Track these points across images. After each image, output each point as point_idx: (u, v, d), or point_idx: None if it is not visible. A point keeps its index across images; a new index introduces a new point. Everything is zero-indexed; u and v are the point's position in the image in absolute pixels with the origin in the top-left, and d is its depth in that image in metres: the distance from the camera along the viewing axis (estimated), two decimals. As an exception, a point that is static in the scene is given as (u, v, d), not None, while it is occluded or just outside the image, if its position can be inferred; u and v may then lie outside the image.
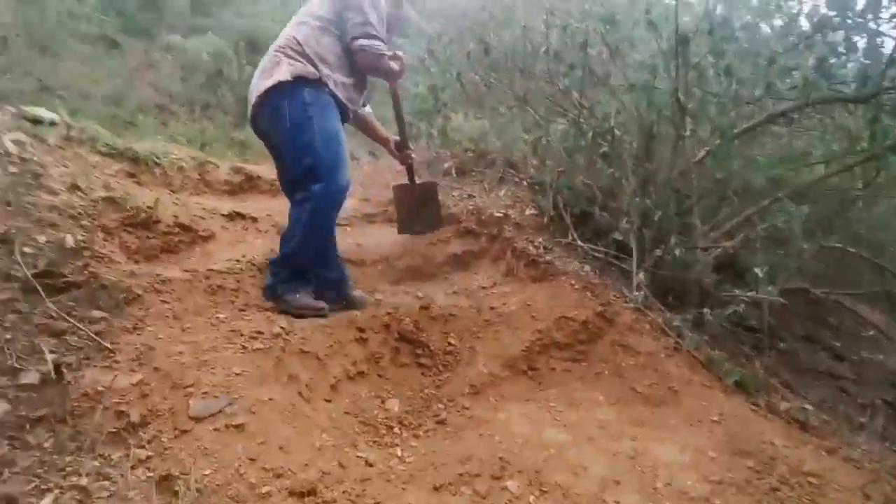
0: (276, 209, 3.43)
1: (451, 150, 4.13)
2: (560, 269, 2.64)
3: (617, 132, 2.98)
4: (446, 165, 3.86)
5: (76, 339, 1.62)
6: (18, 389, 1.41)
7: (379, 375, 1.97)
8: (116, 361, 1.57)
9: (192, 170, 3.43)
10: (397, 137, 2.55)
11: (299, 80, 2.03)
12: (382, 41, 2.11)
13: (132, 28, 10.15)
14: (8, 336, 1.53)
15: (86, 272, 1.88)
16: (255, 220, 3.11)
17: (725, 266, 2.83)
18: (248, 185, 3.76)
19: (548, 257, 2.74)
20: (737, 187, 2.79)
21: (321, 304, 2.12)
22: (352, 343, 1.97)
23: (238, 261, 2.49)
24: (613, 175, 2.90)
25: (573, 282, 2.54)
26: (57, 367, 1.46)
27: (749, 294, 2.46)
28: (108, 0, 10.57)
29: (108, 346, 1.62)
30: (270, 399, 1.58)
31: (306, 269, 2.14)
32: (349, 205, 3.61)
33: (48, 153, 2.54)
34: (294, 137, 2.04)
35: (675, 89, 2.51)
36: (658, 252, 2.60)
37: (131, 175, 2.96)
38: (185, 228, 2.63)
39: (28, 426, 1.33)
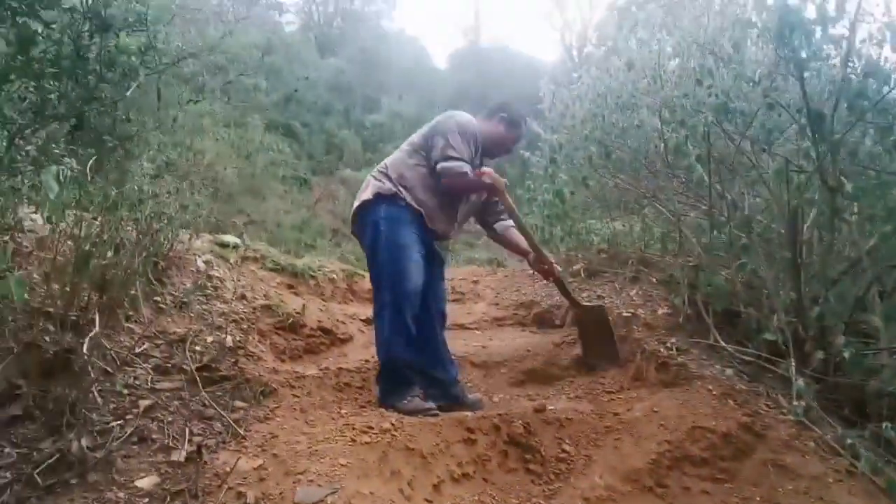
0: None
1: (583, 253, 4.10)
2: (695, 373, 2.38)
3: (761, 221, 2.75)
4: (575, 267, 3.83)
5: (219, 425, 1.86)
6: (168, 465, 1.65)
7: (485, 479, 1.90)
8: (245, 447, 1.76)
9: (342, 280, 3.87)
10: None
11: (378, 198, 2.27)
12: (464, 161, 2.24)
13: (319, 168, 12.10)
14: (169, 419, 1.82)
15: (236, 368, 2.19)
16: (390, 324, 3.34)
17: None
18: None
19: (681, 359, 2.49)
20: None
21: (430, 405, 2.17)
22: (459, 444, 1.95)
23: (367, 361, 2.68)
24: (758, 269, 2.63)
25: (710, 387, 2.27)
26: (198, 448, 1.69)
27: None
28: (301, 147, 12.85)
29: (242, 432, 1.83)
30: (371, 493, 1.62)
31: (405, 373, 2.21)
32: (479, 308, 3.74)
33: (229, 270, 3.10)
34: (370, 250, 2.28)
35: (820, 169, 2.28)
36: (820, 354, 2.23)
37: (290, 286, 3.44)
38: (326, 331, 2.94)
39: (168, 498, 1.54)
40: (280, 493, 1.56)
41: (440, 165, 2.22)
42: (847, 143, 2.28)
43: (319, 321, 2.96)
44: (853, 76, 2.11)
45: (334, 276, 3.82)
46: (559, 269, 2.59)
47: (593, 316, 2.73)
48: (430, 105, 18.45)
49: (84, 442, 1.60)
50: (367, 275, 4.13)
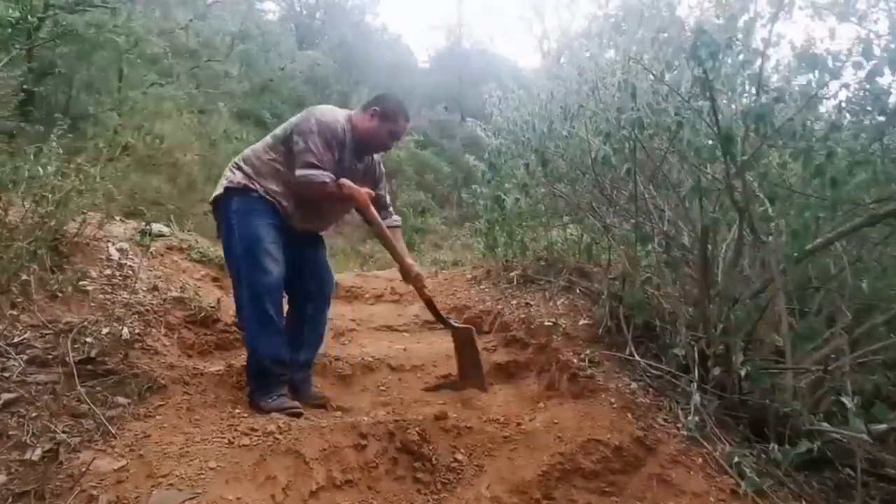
0: (347, 312, 3.62)
1: (522, 260, 4.10)
2: (601, 385, 2.38)
3: (678, 238, 2.78)
4: (512, 274, 3.82)
5: (91, 422, 1.78)
6: (20, 464, 1.56)
7: (369, 487, 1.85)
8: (112, 446, 1.68)
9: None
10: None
11: (229, 192, 2.19)
12: (323, 169, 2.13)
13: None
14: (33, 415, 1.73)
15: (125, 362, 2.10)
16: (317, 322, 3.28)
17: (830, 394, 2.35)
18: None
19: (591, 371, 2.49)
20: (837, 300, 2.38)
21: (293, 404, 2.11)
22: (348, 449, 1.91)
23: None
24: (666, 284, 2.66)
25: (613, 400, 2.27)
26: (56, 447, 1.61)
27: (839, 430, 2.00)
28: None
29: (113, 431, 1.75)
30: (238, 498, 1.57)
31: (270, 371, 2.14)
32: (412, 311, 3.70)
33: (148, 259, 2.99)
34: (225, 246, 2.24)
35: (730, 188, 2.31)
36: (717, 371, 2.25)
37: (215, 279, 3.35)
38: (242, 327, 2.85)
39: (12, 499, 1.45)
40: (136, 498, 1.50)
41: (298, 173, 2.13)
42: (758, 165, 2.31)
43: (234, 315, 2.87)
44: (763, 100, 2.13)
45: (266, 271, 3.73)
46: (426, 286, 2.49)
47: (462, 337, 2.60)
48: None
49: (-74, 436, 1.50)
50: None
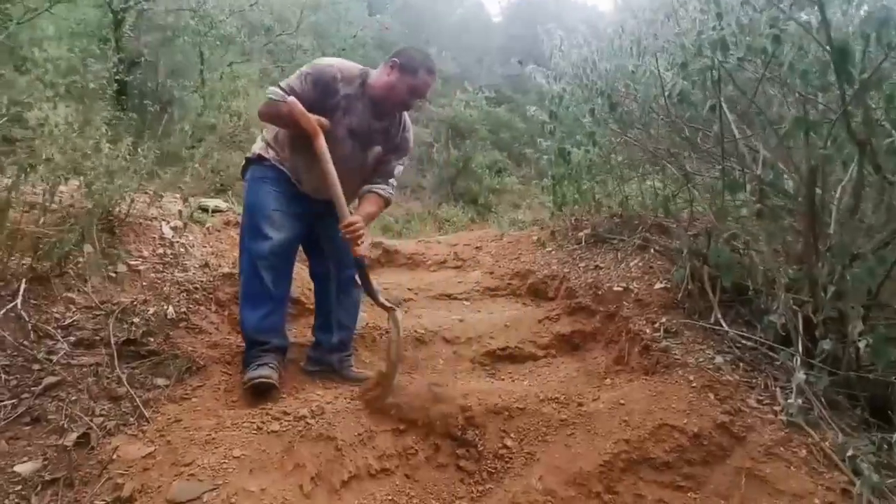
0: (405, 281, 3.49)
1: (594, 217, 3.73)
2: (678, 360, 2.05)
3: (777, 183, 2.32)
4: (580, 234, 3.48)
5: (128, 405, 1.76)
6: (55, 449, 1.56)
7: (406, 476, 1.71)
8: (143, 431, 1.65)
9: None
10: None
11: (247, 162, 2.13)
12: (283, 91, 1.95)
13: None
14: (73, 398, 1.73)
15: (167, 342, 2.08)
16: (370, 293, 3.17)
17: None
18: (385, 258, 3.92)
19: (666, 342, 2.16)
20: None
21: (257, 374, 1.92)
22: (385, 433, 1.77)
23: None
24: (772, 239, 2.23)
25: (692, 377, 1.95)
26: (86, 432, 1.59)
27: None
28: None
29: (147, 414, 1.72)
30: (262, 489, 1.47)
31: (254, 343, 2.03)
32: (473, 277, 3.49)
33: (203, 235, 3.00)
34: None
35: (846, 116, 1.84)
36: (826, 344, 1.84)
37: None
38: (293, 301, 2.79)
39: (41, 486, 1.45)
40: (158, 487, 1.44)
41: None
42: (882, 87, 1.82)
43: (287, 290, 2.81)
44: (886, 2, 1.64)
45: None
46: (368, 247, 2.16)
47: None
48: (477, 60, 17.80)
49: (-34, 422, 1.53)
50: (366, 239, 4.00)
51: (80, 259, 2.30)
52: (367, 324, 2.65)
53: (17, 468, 1.48)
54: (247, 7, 11.20)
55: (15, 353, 1.81)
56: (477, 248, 4.06)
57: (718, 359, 2.05)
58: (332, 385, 2.10)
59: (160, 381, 1.91)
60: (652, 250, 2.91)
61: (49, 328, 1.95)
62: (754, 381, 1.98)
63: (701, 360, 2.05)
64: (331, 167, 1.92)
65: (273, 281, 2.01)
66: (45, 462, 1.52)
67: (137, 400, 1.76)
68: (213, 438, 1.60)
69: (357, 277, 2.12)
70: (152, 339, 2.08)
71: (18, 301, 1.95)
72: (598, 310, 2.60)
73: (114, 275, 2.39)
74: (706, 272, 2.49)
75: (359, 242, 1.96)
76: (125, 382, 1.82)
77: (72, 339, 1.97)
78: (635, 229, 3.30)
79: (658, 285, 2.57)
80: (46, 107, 4.57)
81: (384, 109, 2.07)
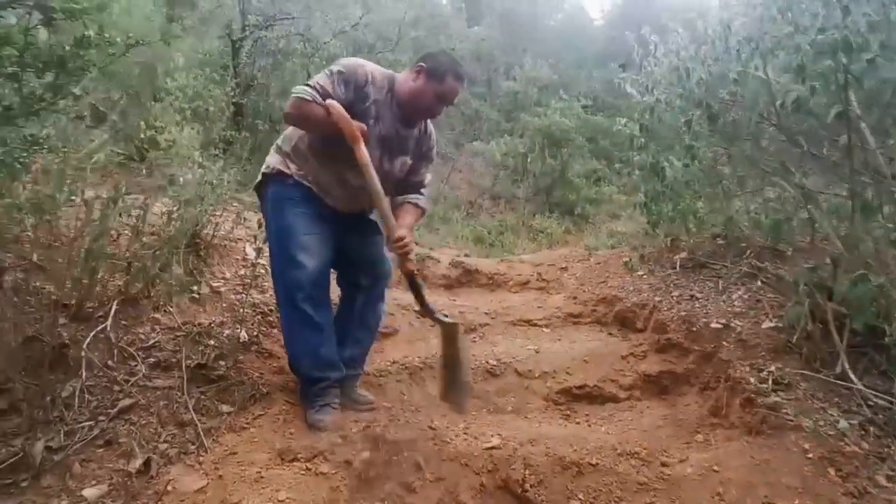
0: (483, 304, 3.36)
1: (693, 239, 3.36)
2: (791, 420, 1.73)
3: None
4: (676, 257, 3.14)
5: (191, 431, 1.80)
6: (121, 475, 1.61)
7: (458, 533, 1.57)
8: (201, 462, 1.66)
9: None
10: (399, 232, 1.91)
11: (265, 179, 2.00)
12: (315, 90, 1.80)
13: (458, 140, 12.03)
14: (143, 422, 1.80)
15: (236, 367, 2.11)
16: (445, 317, 3.07)
17: None
18: (465, 278, 3.81)
19: (777, 397, 1.84)
20: None
21: (320, 418, 1.88)
22: (434, 482, 1.64)
23: (394, 362, 2.46)
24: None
25: (808, 445, 1.62)
26: (146, 460, 1.63)
27: None
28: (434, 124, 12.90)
29: (208, 443, 1.74)
30: (303, 538, 1.41)
31: (311, 377, 1.96)
32: (555, 302, 3.28)
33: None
34: (267, 239, 2.04)
35: None
36: None
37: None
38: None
39: (102, 514, 1.49)
40: (204, 526, 1.43)
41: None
42: None
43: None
44: None
45: (403, 260, 3.63)
46: (412, 257, 1.93)
47: (447, 335, 2.01)
48: (576, 65, 17.27)
49: (44, 443, 1.62)
50: (441, 259, 3.93)
51: (169, 281, 2.43)
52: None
53: (85, 492, 1.54)
54: (348, 28, 11.76)
55: (100, 374, 1.92)
56: (562, 268, 3.83)
57: (843, 422, 1.70)
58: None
59: (225, 408, 1.94)
60: (760, 281, 2.53)
61: (132, 350, 2.05)
62: (886, 450, 1.61)
63: (820, 422, 1.71)
64: (376, 177, 1.82)
65: (315, 310, 1.93)
66: (111, 487, 1.57)
67: (199, 427, 1.79)
68: (263, 477, 1.57)
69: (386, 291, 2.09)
70: (223, 363, 2.13)
71: (109, 322, 2.07)
72: (691, 348, 2.30)
73: (197, 296, 2.49)
74: (830, 310, 2.10)
75: (410, 257, 1.88)
76: (191, 409, 1.86)
77: (151, 360, 2.06)
78: (741, 254, 2.92)
79: (767, 324, 2.21)
80: (175, 130, 5.00)
81: (413, 116, 1.96)
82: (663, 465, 1.72)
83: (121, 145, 4.71)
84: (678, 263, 3.05)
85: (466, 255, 6.04)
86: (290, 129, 2.01)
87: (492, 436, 1.90)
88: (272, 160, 2.00)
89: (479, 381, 2.41)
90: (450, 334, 1.99)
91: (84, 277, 2.05)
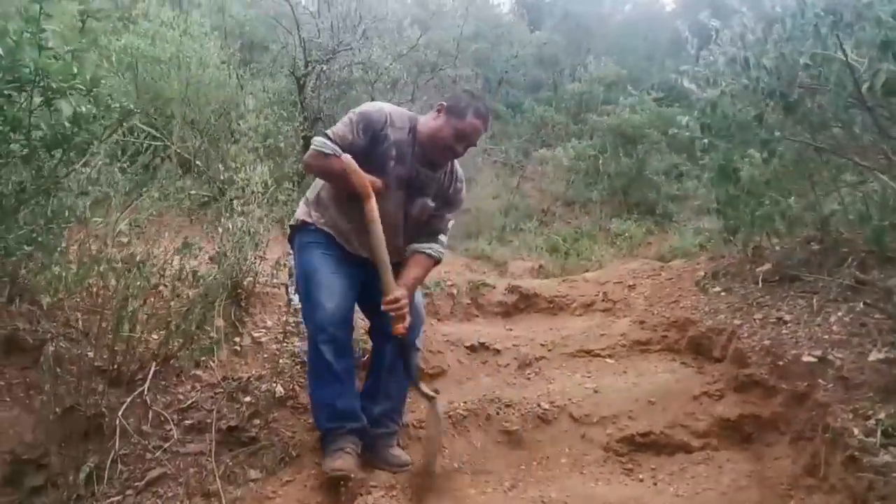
0: (540, 333, 3.11)
1: (783, 244, 2.92)
2: (908, 490, 1.36)
3: None
4: (759, 269, 2.73)
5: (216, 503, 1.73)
6: (147, 552, 1.57)
7: None
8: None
9: (465, 294, 3.50)
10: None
11: (292, 231, 2.04)
12: (332, 142, 1.82)
13: (527, 148, 11.80)
14: (171, 493, 1.76)
15: (268, 427, 2.04)
16: (497, 352, 2.86)
17: None
18: (523, 304, 3.58)
19: (887, 455, 1.46)
20: None
21: (333, 465, 1.79)
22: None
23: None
24: None
25: (934, 527, 1.25)
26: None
27: None
28: (506, 128, 12.65)
29: (229, 516, 1.66)
30: None
31: (328, 426, 1.90)
32: (620, 327, 2.97)
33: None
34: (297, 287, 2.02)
35: None
36: None
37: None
38: (411, 368, 2.62)
39: None
40: None
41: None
42: None
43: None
44: None
45: (454, 290, 3.47)
46: (405, 318, 1.84)
47: (429, 409, 1.96)
48: (646, 57, 16.38)
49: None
50: (498, 284, 3.72)
51: (211, 334, 2.43)
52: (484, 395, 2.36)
53: (109, 573, 1.51)
54: (405, 51, 11.91)
55: (135, 442, 1.92)
56: (630, 286, 3.48)
57: (984, 493, 1.30)
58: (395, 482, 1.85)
59: (253, 474, 1.87)
60: (866, 300, 2.10)
61: (168, 413, 2.05)
62: None
63: (949, 492, 1.33)
64: (380, 232, 1.81)
65: (335, 354, 1.86)
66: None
67: (224, 499, 1.72)
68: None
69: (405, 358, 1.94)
70: (257, 422, 2.07)
71: (146, 387, 2.09)
72: (778, 387, 1.93)
73: (238, 348, 2.48)
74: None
75: (402, 321, 1.83)
76: (217, 478, 1.80)
77: (187, 422, 2.04)
78: (841, 263, 2.46)
79: (875, 355, 1.81)
80: (249, 168, 5.21)
81: (436, 158, 1.90)
82: (744, 544, 1.41)
83: (205, 188, 5.01)
84: (761, 277, 2.64)
85: (541, 267, 5.84)
86: (316, 180, 2.04)
87: (538, 502, 1.68)
88: (299, 212, 2.04)
89: (529, 429, 2.19)
90: (431, 409, 1.94)
91: (122, 341, 2.08)
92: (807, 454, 1.69)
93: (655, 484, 1.82)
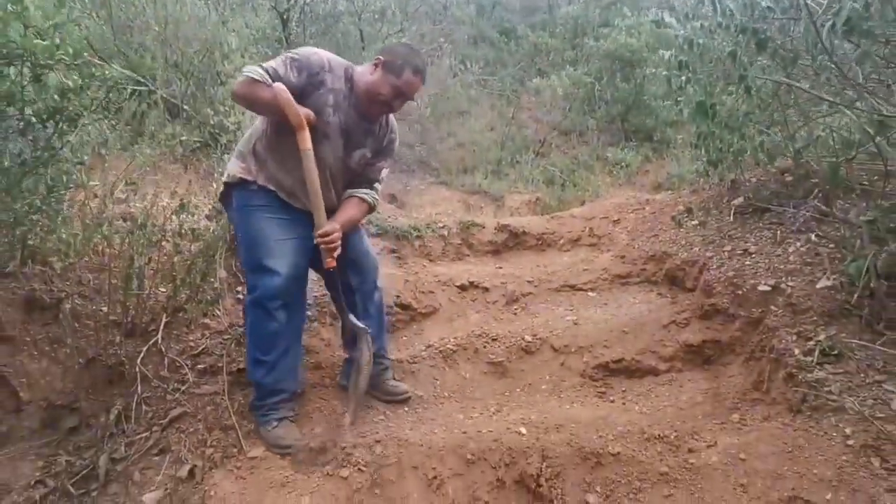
0: (528, 271, 3.28)
1: (755, 175, 3.03)
2: (833, 400, 1.56)
3: None
4: (735, 202, 2.84)
5: (233, 436, 1.95)
6: (174, 481, 1.80)
7: (473, 530, 1.61)
8: (238, 467, 1.81)
9: (456, 234, 3.64)
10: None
11: (228, 188, 1.93)
12: (264, 71, 1.74)
13: (523, 76, 11.50)
14: (192, 428, 1.98)
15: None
16: (486, 290, 3.04)
17: None
18: (512, 242, 3.72)
19: (822, 371, 1.65)
20: None
21: (289, 443, 1.85)
22: (452, 479, 1.68)
23: (429, 346, 2.49)
24: None
25: (850, 430, 1.46)
26: (192, 468, 1.80)
27: None
28: (499, 56, 12.23)
29: (246, 447, 1.89)
30: (324, 540, 1.52)
31: (270, 394, 1.92)
32: (602, 262, 3.13)
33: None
34: (237, 246, 1.97)
35: None
36: None
37: (393, 251, 3.38)
38: (404, 307, 2.81)
39: (160, 516, 1.69)
40: (237, 530, 1.57)
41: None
42: None
43: (398, 296, 2.83)
44: None
45: (445, 231, 3.61)
46: (335, 249, 1.85)
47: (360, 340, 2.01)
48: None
49: (109, 455, 1.84)
50: (487, 223, 3.84)
51: (215, 285, 2.59)
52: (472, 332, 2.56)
53: (145, 497, 1.75)
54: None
55: (155, 385, 2.13)
56: (615, 221, 3.62)
57: (897, 402, 1.50)
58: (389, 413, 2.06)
59: (263, 410, 2.08)
60: (818, 232, 2.24)
61: (182, 359, 2.24)
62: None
63: (869, 401, 1.52)
64: (313, 166, 1.77)
65: (288, 319, 1.90)
66: (166, 492, 1.76)
67: (239, 432, 1.94)
68: (288, 482, 1.69)
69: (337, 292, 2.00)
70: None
71: (159, 336, 2.27)
72: (737, 314, 2.11)
73: (241, 297, 2.65)
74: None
75: (333, 255, 1.84)
76: (232, 414, 2.02)
77: (200, 366, 2.24)
78: (809, 194, 2.58)
79: (823, 282, 1.97)
80: (238, 112, 5.20)
81: (367, 109, 1.90)
82: (690, 451, 1.63)
83: (196, 132, 5.01)
84: (734, 210, 2.76)
85: (537, 199, 5.91)
86: (248, 132, 1.99)
87: (519, 424, 1.90)
88: (233, 168, 1.93)
89: (513, 360, 2.39)
90: (365, 341, 1.99)
91: (132, 296, 2.25)
92: (755, 372, 1.89)
93: (624, 404, 2.04)
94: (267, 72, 1.76)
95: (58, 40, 1.68)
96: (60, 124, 1.73)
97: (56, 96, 1.65)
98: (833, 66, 1.92)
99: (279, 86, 1.73)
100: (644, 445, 1.70)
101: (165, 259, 2.47)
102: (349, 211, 1.95)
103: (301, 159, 1.76)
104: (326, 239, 1.81)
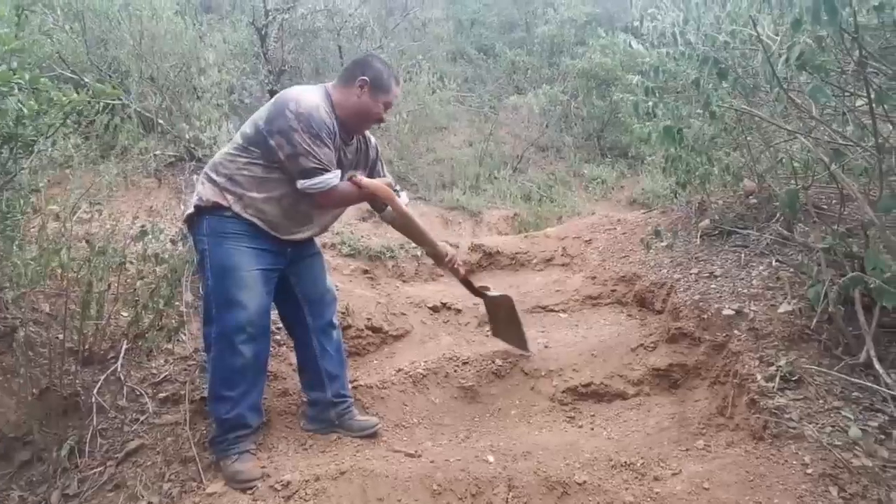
0: (503, 289, 3.27)
1: (722, 197, 3.09)
2: (793, 427, 1.57)
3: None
4: (701, 225, 2.89)
5: (193, 468, 1.90)
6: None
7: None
8: (209, 494, 1.75)
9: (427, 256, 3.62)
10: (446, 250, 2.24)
11: (200, 212, 1.86)
12: (328, 170, 1.81)
13: (501, 93, 11.60)
14: (150, 462, 1.92)
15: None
16: (458, 311, 3.04)
17: None
18: (486, 261, 3.74)
19: (782, 398, 1.68)
20: None
21: (248, 479, 1.76)
22: (417, 508, 1.65)
23: (399, 370, 2.46)
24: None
25: (808, 458, 1.47)
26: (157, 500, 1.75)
27: None
28: (477, 73, 12.31)
29: (206, 480, 1.83)
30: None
31: (232, 429, 1.86)
32: (573, 283, 3.15)
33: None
34: (200, 275, 1.98)
35: None
36: None
37: (365, 271, 3.35)
38: (375, 330, 2.78)
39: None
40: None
41: (301, 185, 1.80)
42: None
43: (369, 318, 2.80)
44: None
45: (419, 251, 3.59)
46: (460, 264, 2.32)
47: (501, 305, 2.49)
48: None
49: (61, 492, 1.77)
50: (459, 245, 3.85)
51: (181, 309, 2.53)
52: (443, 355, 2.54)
53: (98, 536, 1.68)
54: (371, -5, 11.43)
55: (112, 416, 2.06)
56: (587, 241, 3.65)
57: (855, 428, 1.52)
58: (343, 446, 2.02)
59: (227, 438, 2.03)
60: (778, 256, 2.29)
61: (142, 388, 2.18)
62: (910, 463, 1.43)
63: (828, 428, 1.55)
64: (416, 220, 2.08)
65: (254, 353, 1.85)
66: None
67: (199, 466, 1.89)
68: (249, 511, 1.64)
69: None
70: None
71: (119, 364, 2.21)
72: (703, 338, 2.13)
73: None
74: (856, 289, 1.86)
75: (460, 271, 2.30)
76: (193, 445, 1.96)
77: (161, 395, 2.18)
78: (771, 217, 2.64)
79: (784, 307, 2.00)
80: (214, 126, 5.12)
81: (356, 129, 1.98)
82: (656, 479, 1.63)
83: (171, 147, 4.94)
84: (700, 232, 2.81)
85: (515, 215, 5.95)
86: (220, 156, 1.92)
87: (487, 451, 1.88)
88: (206, 192, 1.86)
89: (484, 384, 2.38)
90: (507, 303, 2.47)
91: (90, 323, 2.18)
92: (719, 397, 1.91)
93: (592, 429, 2.04)
94: (326, 168, 1.82)
95: (14, 65, 1.66)
96: (15, 150, 1.68)
97: (11, 122, 1.61)
98: (789, 98, 1.98)
99: (362, 180, 1.92)
100: (610, 473, 1.70)
101: (128, 283, 2.41)
102: (379, 181, 2.03)
103: (404, 220, 2.05)
104: (452, 264, 2.22)
